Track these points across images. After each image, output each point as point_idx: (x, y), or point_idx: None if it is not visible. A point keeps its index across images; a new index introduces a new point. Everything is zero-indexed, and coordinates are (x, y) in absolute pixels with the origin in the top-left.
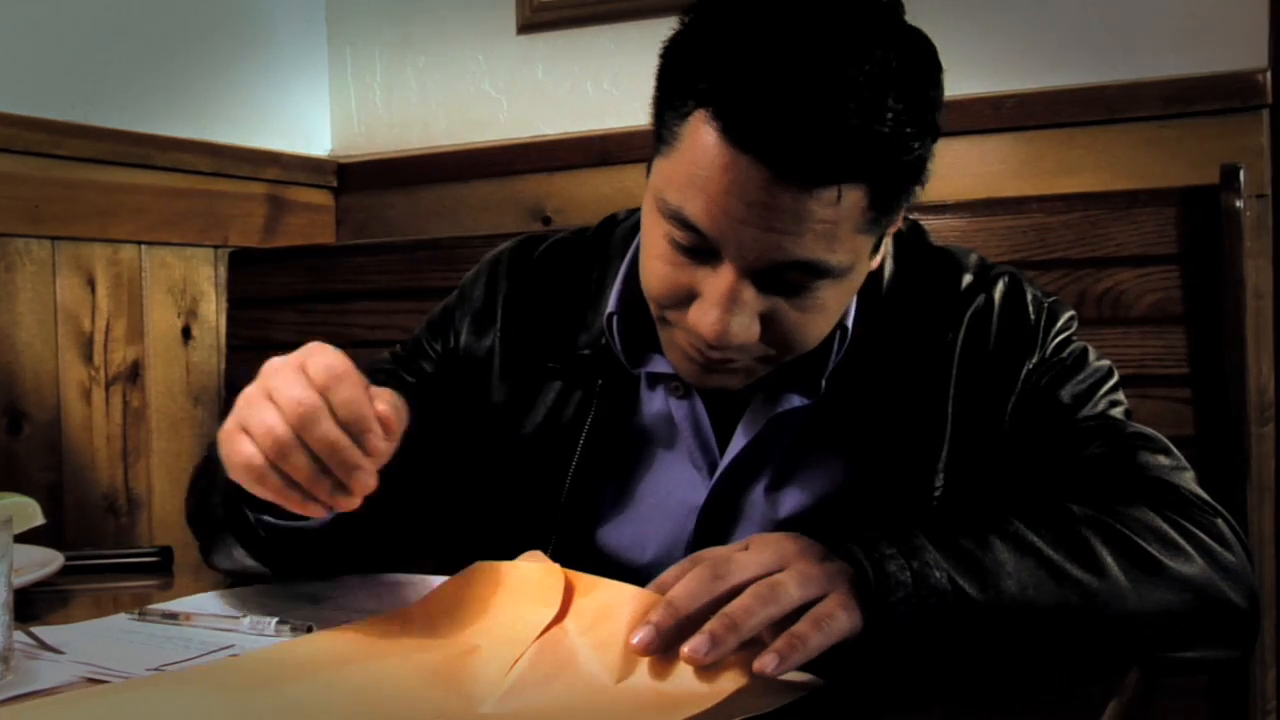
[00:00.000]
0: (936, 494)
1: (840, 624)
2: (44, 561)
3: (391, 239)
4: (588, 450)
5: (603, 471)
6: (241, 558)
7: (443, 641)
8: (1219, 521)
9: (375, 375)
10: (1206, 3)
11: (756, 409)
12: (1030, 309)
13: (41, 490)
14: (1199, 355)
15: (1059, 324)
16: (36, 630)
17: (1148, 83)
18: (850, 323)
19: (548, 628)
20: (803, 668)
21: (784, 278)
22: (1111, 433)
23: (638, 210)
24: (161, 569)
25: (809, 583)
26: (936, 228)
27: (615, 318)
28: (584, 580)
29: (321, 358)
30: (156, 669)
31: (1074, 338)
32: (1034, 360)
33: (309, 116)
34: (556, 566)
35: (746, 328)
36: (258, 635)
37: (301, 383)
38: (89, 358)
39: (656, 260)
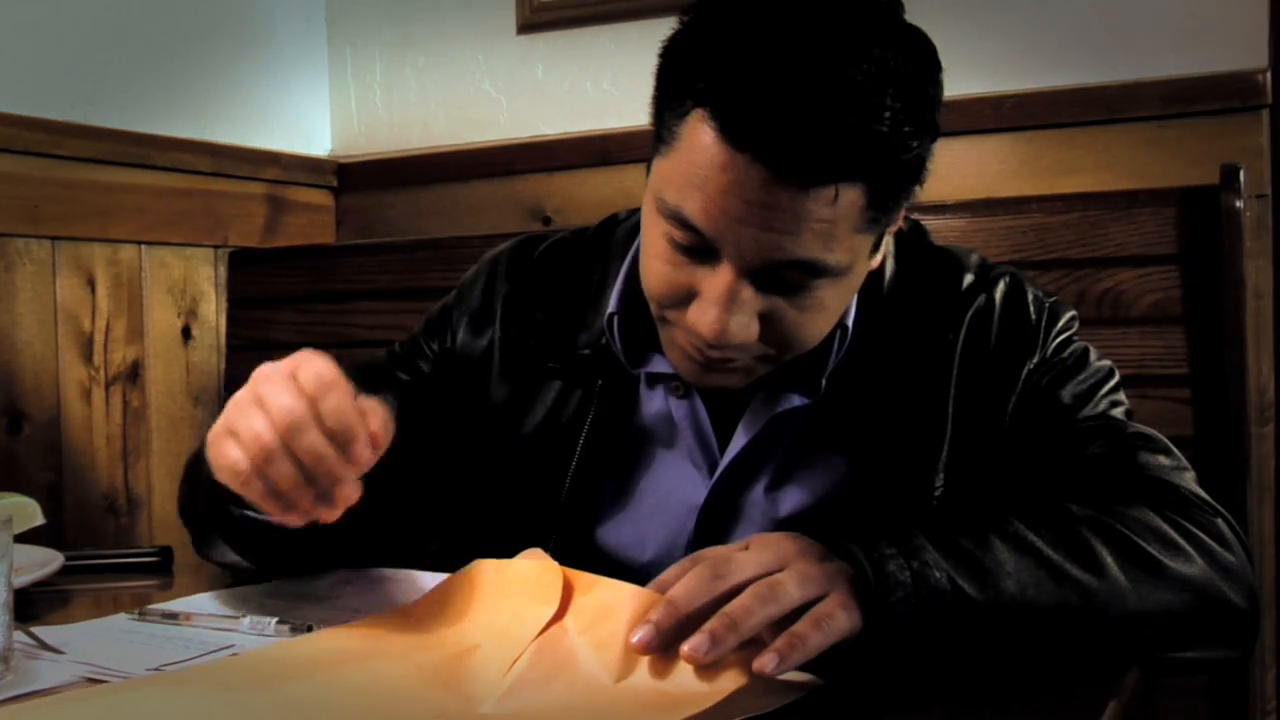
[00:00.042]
0: (937, 494)
1: (840, 624)
2: (44, 561)
3: (391, 239)
4: (588, 450)
5: (603, 471)
6: (227, 553)
7: (442, 640)
8: (1219, 522)
9: (369, 373)
10: (1206, 3)
11: (756, 408)
12: (1031, 309)
13: (41, 490)
14: (1199, 355)
15: (1060, 324)
16: (36, 630)
17: (1148, 83)
18: (850, 322)
19: (547, 626)
20: (803, 667)
21: (782, 277)
22: (1112, 433)
23: (638, 210)
24: (161, 569)
25: (809, 582)
26: (936, 228)
27: (616, 318)
28: (583, 579)
29: (312, 366)
30: (156, 669)
31: (1075, 338)
32: (1035, 360)
33: (309, 116)
34: (555, 564)
35: (745, 327)
36: (258, 635)
37: (292, 391)
38: (89, 358)
39: (656, 260)
